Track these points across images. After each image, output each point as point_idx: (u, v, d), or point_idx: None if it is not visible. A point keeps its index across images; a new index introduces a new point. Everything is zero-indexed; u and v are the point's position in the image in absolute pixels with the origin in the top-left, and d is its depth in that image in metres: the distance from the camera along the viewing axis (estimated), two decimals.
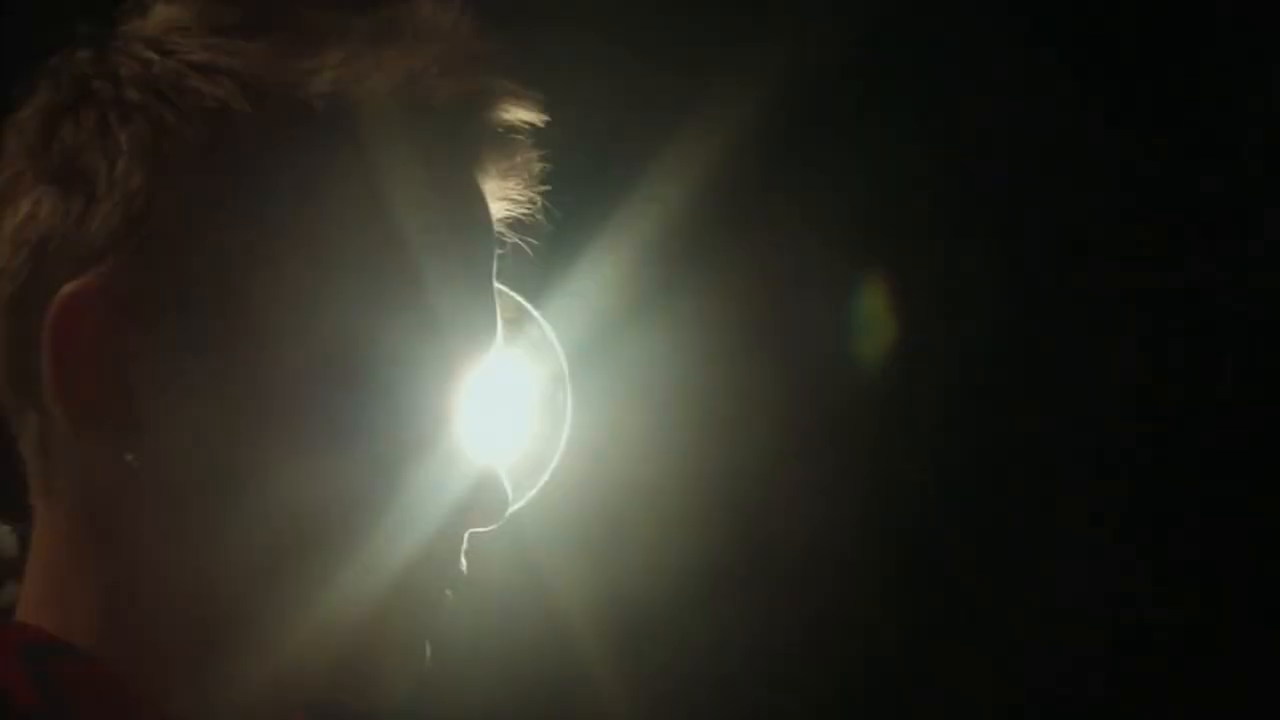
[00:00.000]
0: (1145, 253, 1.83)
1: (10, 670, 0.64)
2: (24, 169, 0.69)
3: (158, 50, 0.67)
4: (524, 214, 0.75)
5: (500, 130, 0.71)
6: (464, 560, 0.72)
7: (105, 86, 0.67)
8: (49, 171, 0.67)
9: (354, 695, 0.70)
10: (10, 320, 0.68)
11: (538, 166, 0.74)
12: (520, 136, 0.72)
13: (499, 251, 0.74)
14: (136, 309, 0.65)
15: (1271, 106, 1.77)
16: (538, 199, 0.75)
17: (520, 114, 0.71)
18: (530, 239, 0.75)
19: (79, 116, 0.67)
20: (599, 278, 1.61)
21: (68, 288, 0.64)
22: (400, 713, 0.72)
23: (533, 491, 1.13)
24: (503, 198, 0.74)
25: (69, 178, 0.66)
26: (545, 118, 0.71)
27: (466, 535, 0.72)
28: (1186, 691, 1.78)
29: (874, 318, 1.85)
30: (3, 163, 0.70)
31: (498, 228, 0.74)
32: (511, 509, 0.73)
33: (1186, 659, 1.79)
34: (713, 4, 1.79)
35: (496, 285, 0.73)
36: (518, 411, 1.15)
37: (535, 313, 1.22)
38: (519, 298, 1.11)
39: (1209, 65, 1.78)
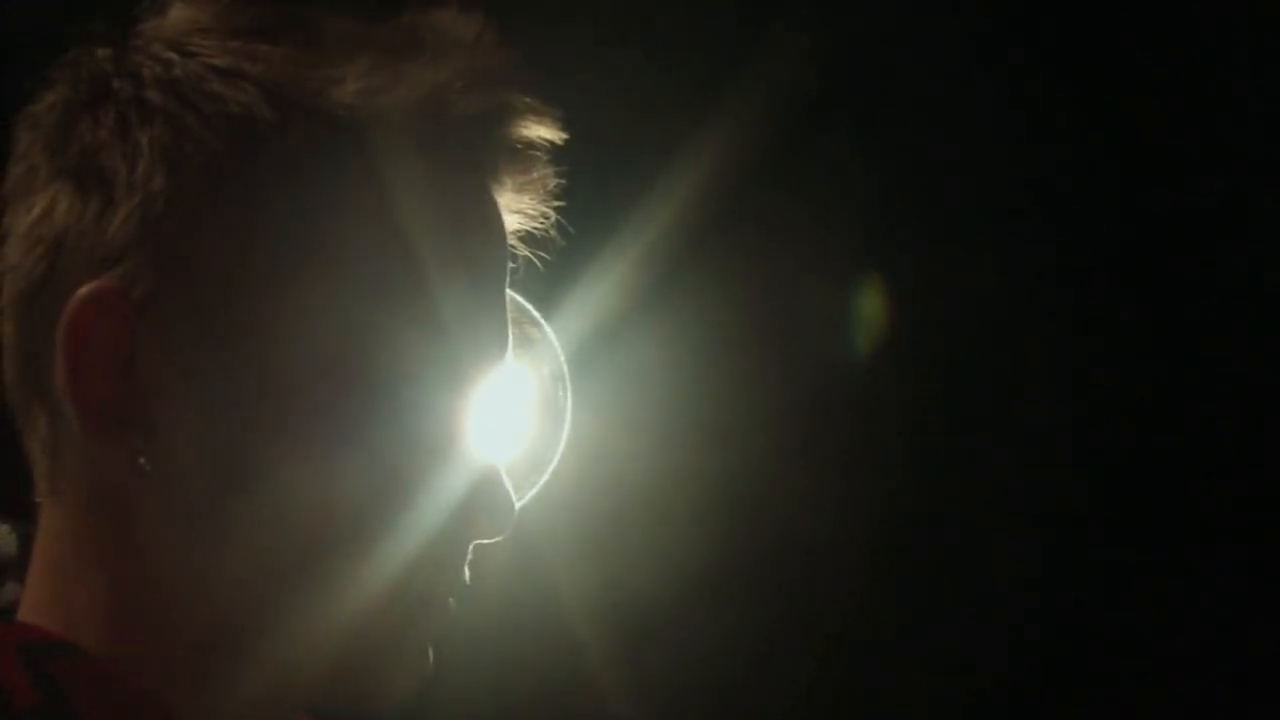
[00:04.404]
0: (1138, 257, 1.84)
1: (10, 670, 0.64)
2: (39, 164, 0.68)
3: (178, 51, 0.67)
4: (536, 228, 0.75)
5: (518, 146, 0.71)
6: (467, 571, 0.72)
7: (125, 86, 0.67)
8: (66, 169, 0.67)
9: (356, 698, 0.71)
10: (23, 317, 0.68)
11: (553, 181, 0.74)
12: (537, 152, 0.72)
13: (511, 265, 0.74)
14: (153, 312, 0.65)
15: (1269, 108, 1.78)
16: (551, 213, 0.75)
17: (539, 130, 0.71)
18: (542, 253, 0.76)
19: (98, 115, 0.67)
20: (599, 278, 1.61)
21: (85, 289, 0.64)
22: (401, 714, 0.72)
23: (533, 491, 1.13)
24: (517, 210, 0.74)
25: (87, 176, 0.66)
26: (563, 134, 0.71)
27: (472, 545, 0.72)
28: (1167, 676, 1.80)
29: (872, 319, 1.85)
30: (17, 156, 0.70)
31: (510, 240, 0.74)
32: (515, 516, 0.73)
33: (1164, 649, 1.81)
34: (715, 10, 1.79)
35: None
36: (518, 411, 1.15)
37: (535, 313, 1.22)
38: (519, 298, 1.11)
39: (1203, 66, 1.79)
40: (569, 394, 1.19)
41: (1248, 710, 1.78)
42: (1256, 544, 1.80)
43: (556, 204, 0.76)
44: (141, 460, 0.65)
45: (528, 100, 0.70)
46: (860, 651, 1.81)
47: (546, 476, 1.16)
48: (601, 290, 1.61)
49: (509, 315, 0.74)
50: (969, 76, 1.80)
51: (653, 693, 1.76)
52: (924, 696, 1.81)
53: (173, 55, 0.67)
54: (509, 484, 0.72)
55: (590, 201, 0.80)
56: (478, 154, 0.70)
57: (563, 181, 0.75)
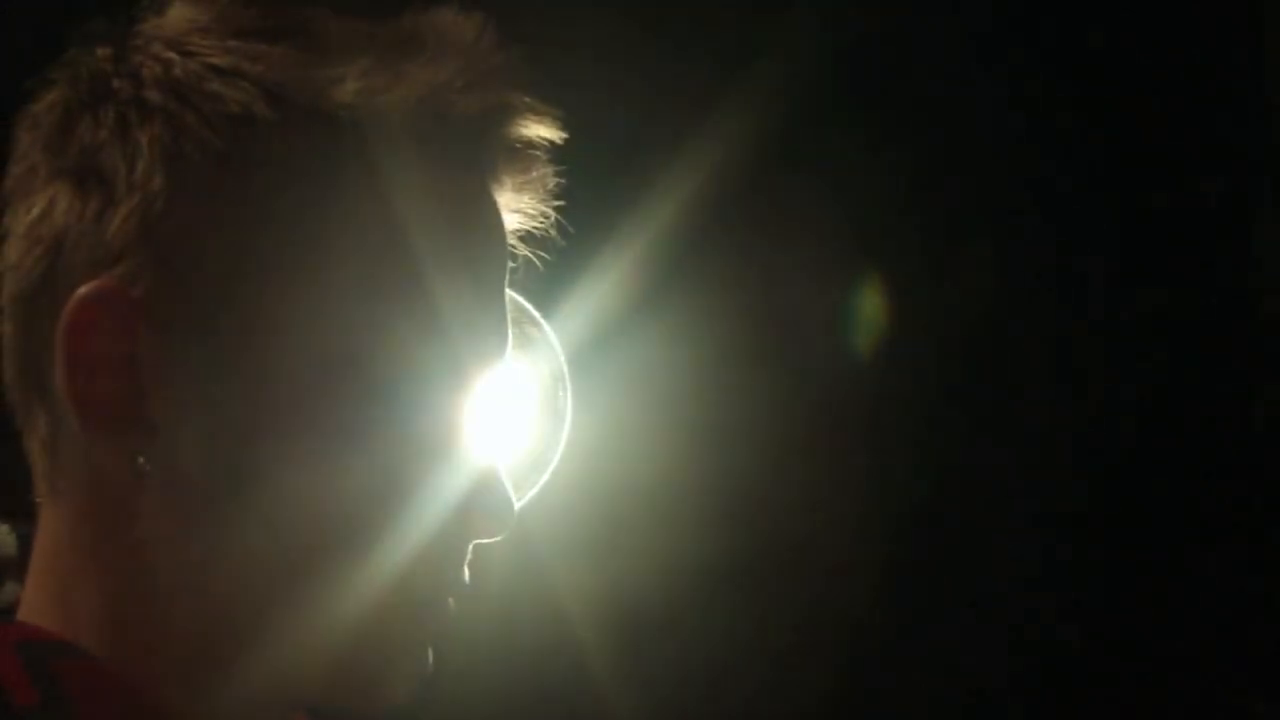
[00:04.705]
0: (1138, 257, 1.84)
1: (10, 669, 0.64)
2: (38, 164, 0.68)
3: (178, 51, 0.67)
4: (536, 227, 0.75)
5: (518, 145, 0.71)
6: (467, 571, 0.72)
7: (125, 86, 0.67)
8: (66, 168, 0.67)
9: (356, 699, 0.71)
10: (22, 317, 0.68)
11: (552, 181, 0.74)
12: (537, 152, 0.72)
13: (511, 265, 0.74)
14: (152, 311, 0.65)
15: (1269, 108, 1.78)
16: (551, 213, 0.75)
17: (538, 130, 0.71)
18: (542, 252, 0.76)
19: (98, 114, 0.67)
20: (599, 278, 1.61)
21: (84, 289, 0.64)
22: (401, 714, 0.72)
23: (532, 492, 1.13)
24: (516, 210, 0.74)
25: (86, 176, 0.66)
26: (563, 134, 0.71)
27: (471, 546, 0.72)
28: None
29: (871, 320, 1.85)
30: (17, 156, 0.70)
31: (510, 240, 0.74)
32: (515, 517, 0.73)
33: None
34: (716, 10, 1.79)
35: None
36: (518, 411, 1.14)
37: (535, 312, 1.21)
38: (519, 298, 1.11)
39: (1203, 66, 1.79)
40: (569, 394, 1.19)
41: (1248, 710, 1.78)
42: (1256, 544, 1.80)
43: (556, 204, 0.76)
44: (141, 460, 0.65)
45: (527, 100, 0.70)
46: (860, 651, 1.81)
47: (546, 477, 1.15)
48: (601, 290, 1.61)
49: (509, 315, 0.74)
50: (969, 76, 1.80)
51: (652, 693, 1.76)
52: (924, 696, 1.81)
53: (172, 55, 0.67)
54: (508, 484, 0.72)
55: (590, 201, 0.80)
56: (477, 153, 0.70)
57: (563, 181, 0.75)
